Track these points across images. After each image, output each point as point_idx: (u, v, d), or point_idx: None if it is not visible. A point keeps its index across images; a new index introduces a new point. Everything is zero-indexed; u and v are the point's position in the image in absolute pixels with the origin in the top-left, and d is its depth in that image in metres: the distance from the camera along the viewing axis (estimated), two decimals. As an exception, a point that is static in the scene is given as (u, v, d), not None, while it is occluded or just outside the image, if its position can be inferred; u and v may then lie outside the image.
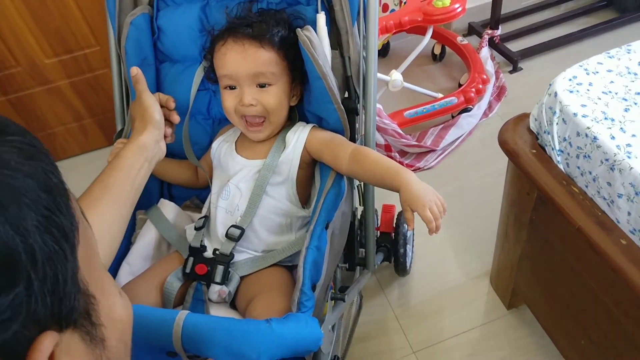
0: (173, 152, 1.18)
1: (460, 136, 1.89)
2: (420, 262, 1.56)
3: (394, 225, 1.44)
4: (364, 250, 1.25)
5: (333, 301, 0.98)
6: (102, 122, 2.02)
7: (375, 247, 1.20)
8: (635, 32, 2.24)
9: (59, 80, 1.84)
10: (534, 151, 1.04)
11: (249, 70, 0.94)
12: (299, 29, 0.95)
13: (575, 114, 0.92)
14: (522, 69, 2.13)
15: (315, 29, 0.98)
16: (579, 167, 0.94)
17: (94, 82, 1.89)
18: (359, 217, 1.22)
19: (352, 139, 1.04)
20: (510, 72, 2.13)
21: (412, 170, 1.79)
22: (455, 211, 1.66)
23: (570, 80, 0.98)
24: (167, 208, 1.11)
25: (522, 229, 1.17)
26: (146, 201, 1.15)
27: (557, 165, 1.00)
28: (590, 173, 0.91)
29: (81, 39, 1.76)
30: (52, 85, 1.84)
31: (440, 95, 1.90)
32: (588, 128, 0.89)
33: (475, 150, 1.87)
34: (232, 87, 0.97)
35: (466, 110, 1.90)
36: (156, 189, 1.17)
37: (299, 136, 1.00)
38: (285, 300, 0.87)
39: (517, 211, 1.18)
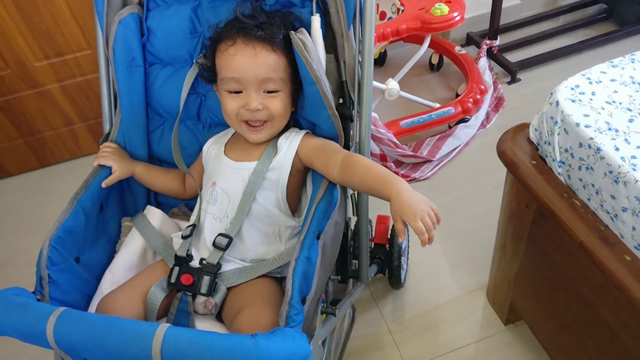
0: (161, 158, 1.15)
1: (457, 147, 1.86)
2: (415, 274, 1.52)
3: (389, 237, 1.40)
4: (357, 262, 1.21)
5: (324, 315, 0.94)
6: (92, 128, 1.98)
7: (368, 259, 1.16)
8: (635, 44, 2.23)
9: (49, 84, 1.80)
10: (534, 162, 1.00)
11: (258, 75, 0.91)
12: (292, 32, 0.92)
13: (577, 124, 0.88)
14: (520, 80, 2.11)
15: (309, 32, 0.95)
16: (580, 179, 0.90)
17: (85, 86, 1.85)
18: (352, 227, 1.18)
19: (347, 146, 1.01)
20: (509, 83, 2.11)
21: (408, 181, 1.78)
22: (451, 223, 1.63)
23: (572, 89, 0.95)
24: (154, 215, 1.07)
25: (520, 243, 1.13)
26: (132, 208, 1.11)
27: (558, 177, 0.96)
28: (592, 185, 0.88)
29: (72, 41, 1.73)
30: (42, 89, 1.81)
31: (438, 105, 1.87)
32: (591, 139, 0.86)
33: (472, 162, 1.84)
34: (236, 92, 0.94)
35: (463, 120, 1.87)
36: (143, 196, 1.13)
37: (291, 142, 0.96)
38: (273, 314, 0.83)
39: (516, 224, 1.14)
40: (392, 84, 1.71)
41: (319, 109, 0.95)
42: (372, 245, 1.38)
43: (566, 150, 0.92)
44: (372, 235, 1.41)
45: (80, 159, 2.06)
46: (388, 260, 1.37)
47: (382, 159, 1.75)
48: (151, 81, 1.09)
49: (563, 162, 0.94)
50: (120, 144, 1.09)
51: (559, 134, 0.93)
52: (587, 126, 0.88)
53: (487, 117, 1.96)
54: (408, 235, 1.50)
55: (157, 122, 1.13)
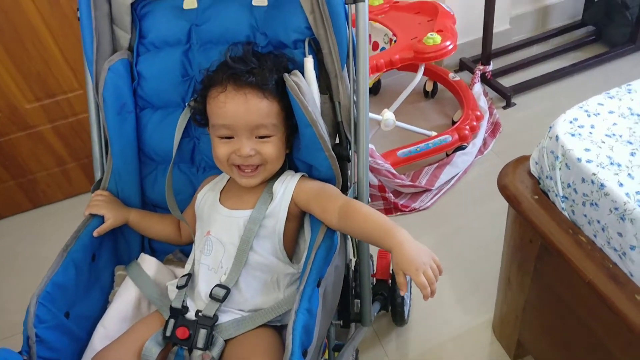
0: (155, 203, 1.12)
1: (456, 175, 1.84)
2: (418, 309, 1.48)
3: (391, 272, 1.37)
4: (358, 301, 1.17)
5: (327, 369, 0.90)
6: (86, 167, 1.95)
7: (371, 300, 1.12)
8: (625, 65, 2.24)
9: (40, 125, 1.78)
10: (536, 197, 0.98)
11: (250, 122, 0.89)
12: (286, 75, 0.90)
13: (579, 159, 0.87)
14: (515, 104, 2.11)
15: (303, 74, 0.93)
16: (585, 215, 0.88)
17: (77, 126, 1.83)
18: (352, 268, 1.14)
19: (344, 186, 0.98)
20: (504, 107, 2.10)
21: (408, 211, 1.76)
22: (453, 253, 1.60)
23: (571, 122, 0.93)
24: (148, 263, 1.04)
25: (525, 277, 1.10)
26: (126, 256, 1.08)
27: (562, 212, 0.94)
28: (598, 222, 0.85)
29: (63, 82, 1.71)
30: (34, 130, 1.78)
31: (434, 134, 1.86)
32: (594, 174, 0.84)
33: (472, 189, 1.82)
34: (227, 137, 0.91)
35: (461, 148, 1.86)
36: (137, 243, 1.10)
37: (287, 187, 0.94)
38: (273, 368, 0.79)
39: (520, 259, 1.11)
40: (388, 115, 1.70)
41: (316, 151, 0.93)
42: (374, 282, 1.34)
43: (569, 185, 0.90)
44: (373, 271, 1.38)
45: (73, 199, 2.02)
46: (391, 297, 1.33)
47: (381, 189, 1.73)
48: (143, 126, 1.07)
49: (566, 197, 0.92)
50: (113, 191, 1.06)
51: (560, 168, 0.91)
52: (588, 161, 0.86)
53: (485, 143, 1.95)
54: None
55: (150, 167, 1.10)
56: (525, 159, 1.07)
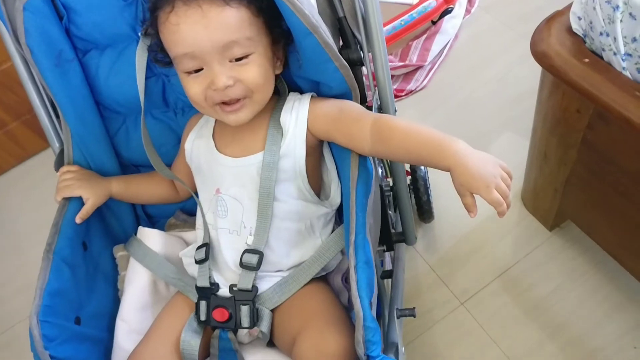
0: (136, 163, 0.94)
1: (447, 42, 1.64)
2: (439, 201, 1.38)
3: (408, 170, 1.25)
4: (392, 214, 1.05)
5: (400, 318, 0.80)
6: (30, 123, 1.68)
7: (413, 218, 1.00)
8: None
9: (-41, 89, 1.49)
10: (587, 60, 0.83)
11: (216, 41, 0.67)
12: (264, -28, 0.67)
13: (650, 5, 0.70)
14: (493, -55, 1.85)
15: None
16: (658, 72, 0.74)
17: (4, 78, 1.54)
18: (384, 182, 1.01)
19: (363, 98, 0.80)
20: (482, -49, 1.84)
21: (404, 95, 1.59)
22: (464, 129, 1.46)
23: (628, -42, 0.74)
24: (150, 238, 0.88)
25: (570, 150, 0.99)
26: (121, 232, 0.92)
27: (622, 72, 0.79)
28: (678, 78, 0.71)
29: (-31, 30, 1.39)
30: (-46, 97, 1.49)
31: (416, 1, 1.62)
32: (674, 21, 0.68)
33: (468, 55, 1.63)
34: (196, 70, 0.70)
35: (447, 11, 1.64)
36: (129, 215, 0.93)
37: (298, 116, 0.75)
38: (337, 333, 0.68)
39: (562, 131, 0.99)
40: (364, -10, 1.45)
41: (322, 63, 0.73)
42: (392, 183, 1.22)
43: (634, 40, 0.74)
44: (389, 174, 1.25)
45: (28, 162, 1.78)
46: (415, 196, 1.22)
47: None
48: (92, 73, 0.84)
49: (630, 55, 0.77)
50: (81, 162, 0.86)
51: (622, 20, 0.74)
52: (663, 5, 0.69)
53: (470, 0, 1.73)
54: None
55: (117, 122, 0.89)
56: (559, 14, 0.89)
